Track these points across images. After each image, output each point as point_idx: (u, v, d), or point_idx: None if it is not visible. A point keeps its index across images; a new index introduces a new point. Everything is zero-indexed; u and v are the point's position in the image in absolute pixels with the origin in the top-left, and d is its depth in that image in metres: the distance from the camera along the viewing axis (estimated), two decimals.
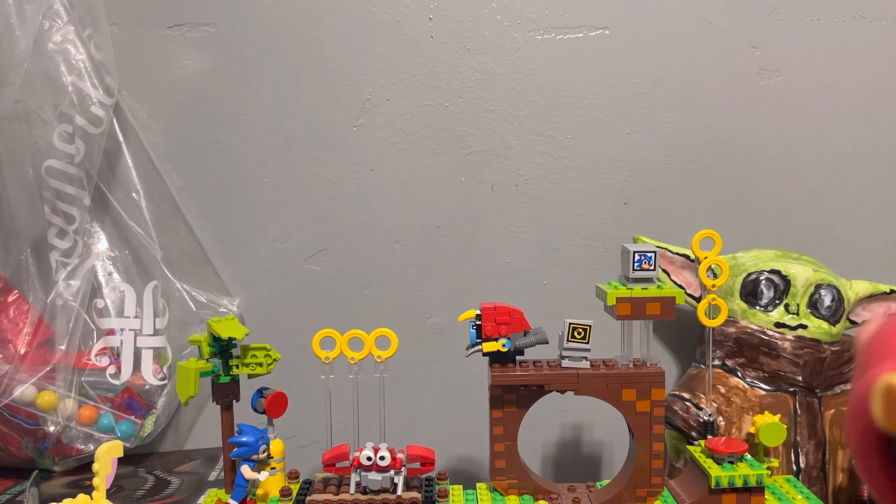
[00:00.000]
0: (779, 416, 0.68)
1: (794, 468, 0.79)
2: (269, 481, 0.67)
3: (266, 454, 0.64)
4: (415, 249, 0.92)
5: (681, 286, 0.86)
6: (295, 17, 0.89)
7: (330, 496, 0.64)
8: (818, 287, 0.82)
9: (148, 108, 0.91)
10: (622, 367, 0.64)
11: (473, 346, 0.65)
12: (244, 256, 0.93)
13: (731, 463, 0.64)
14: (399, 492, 0.63)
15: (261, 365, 0.66)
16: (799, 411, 0.80)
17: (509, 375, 0.64)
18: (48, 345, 0.85)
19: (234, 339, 0.64)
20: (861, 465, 0.23)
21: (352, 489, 0.64)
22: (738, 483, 0.62)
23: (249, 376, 0.66)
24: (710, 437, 0.71)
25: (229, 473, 0.66)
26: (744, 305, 0.82)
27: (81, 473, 0.83)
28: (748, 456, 0.66)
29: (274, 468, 0.66)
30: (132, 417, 0.86)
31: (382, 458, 0.63)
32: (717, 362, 0.82)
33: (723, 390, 0.80)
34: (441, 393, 0.94)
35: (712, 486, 0.63)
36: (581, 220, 0.92)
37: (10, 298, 0.85)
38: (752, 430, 0.68)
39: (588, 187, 0.92)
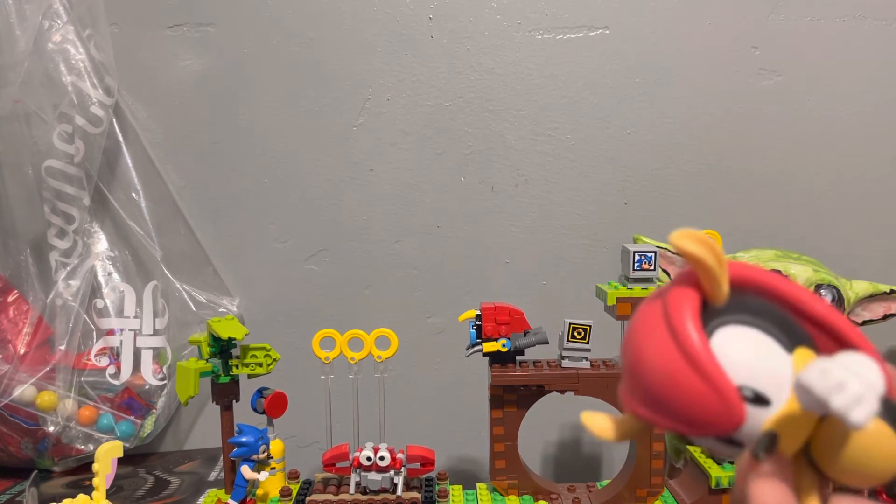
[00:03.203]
0: None
1: None
2: (269, 481, 0.67)
3: (266, 454, 0.64)
4: (415, 249, 0.92)
5: None
6: (295, 17, 0.89)
7: (330, 496, 0.64)
8: (818, 287, 0.82)
9: (148, 108, 0.91)
10: None
11: (473, 346, 0.65)
12: (244, 256, 0.93)
13: (732, 463, 0.64)
14: (399, 492, 0.63)
15: (260, 365, 0.66)
16: None
17: (509, 375, 0.64)
18: (48, 345, 0.84)
19: (234, 339, 0.64)
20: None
21: (352, 489, 0.64)
22: None
23: (249, 376, 0.66)
24: None
25: (229, 473, 0.66)
26: None
27: (81, 473, 0.83)
28: None
29: (274, 468, 0.66)
30: (132, 417, 0.86)
31: (382, 458, 0.63)
32: None
33: None
34: (441, 393, 0.94)
35: (712, 486, 0.63)
36: (581, 220, 0.92)
37: (10, 298, 0.85)
38: None
39: (588, 187, 0.91)
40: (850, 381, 0.21)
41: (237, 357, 0.66)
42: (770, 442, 0.23)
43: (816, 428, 0.24)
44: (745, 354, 0.24)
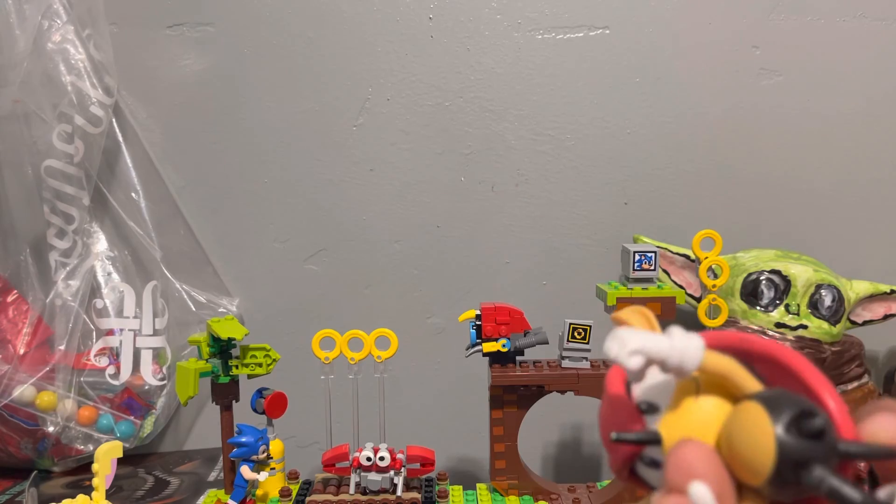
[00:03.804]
0: None
1: None
2: (269, 482, 0.67)
3: (265, 455, 0.64)
4: (415, 249, 0.92)
5: (681, 286, 0.86)
6: (295, 17, 0.89)
7: (329, 497, 0.64)
8: (818, 287, 0.82)
9: (147, 108, 0.91)
10: None
11: (473, 346, 0.65)
12: (244, 256, 0.93)
13: None
14: (399, 492, 0.63)
15: (260, 365, 0.66)
16: None
17: (509, 376, 0.64)
18: (47, 345, 0.84)
19: (234, 339, 0.64)
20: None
21: (351, 490, 0.64)
22: None
23: (249, 376, 0.66)
24: None
25: (229, 474, 0.66)
26: (744, 305, 0.82)
27: (81, 474, 0.83)
28: None
29: (273, 468, 0.66)
30: (131, 418, 0.86)
31: (382, 458, 0.63)
32: None
33: None
34: (441, 393, 0.94)
35: None
36: (581, 220, 0.92)
37: (10, 298, 0.85)
38: None
39: (588, 187, 0.91)
40: (630, 338, 0.25)
41: (237, 357, 0.66)
42: (647, 437, 0.25)
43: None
44: (648, 381, 0.28)
